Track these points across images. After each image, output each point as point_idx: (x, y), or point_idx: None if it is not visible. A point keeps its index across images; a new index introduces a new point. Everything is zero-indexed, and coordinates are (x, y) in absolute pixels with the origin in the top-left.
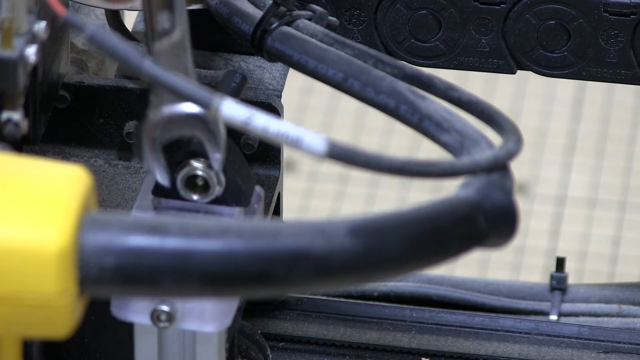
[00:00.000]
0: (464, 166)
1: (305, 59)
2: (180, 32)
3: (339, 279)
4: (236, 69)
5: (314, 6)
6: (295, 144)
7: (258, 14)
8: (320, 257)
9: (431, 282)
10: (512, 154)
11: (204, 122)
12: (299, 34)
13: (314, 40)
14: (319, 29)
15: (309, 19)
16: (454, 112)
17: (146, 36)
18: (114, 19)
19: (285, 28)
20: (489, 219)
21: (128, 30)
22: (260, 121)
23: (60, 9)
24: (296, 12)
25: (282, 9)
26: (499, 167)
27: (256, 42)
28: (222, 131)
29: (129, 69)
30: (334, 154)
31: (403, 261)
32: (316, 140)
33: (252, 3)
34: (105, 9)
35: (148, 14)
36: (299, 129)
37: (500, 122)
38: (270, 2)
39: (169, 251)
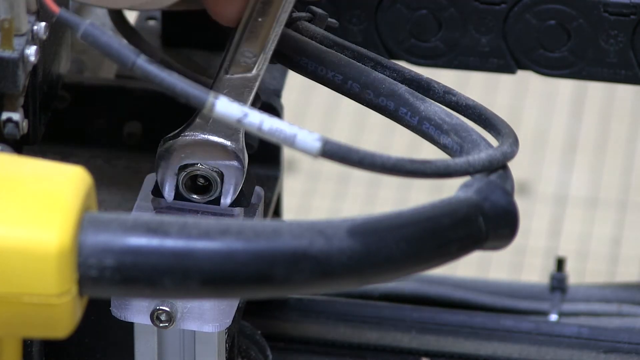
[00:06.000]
0: (458, 167)
1: (305, 61)
2: (257, 72)
3: (338, 281)
4: None
5: (314, 8)
6: (290, 142)
7: None
8: (320, 258)
9: (431, 282)
10: (507, 156)
11: (233, 153)
12: (298, 35)
13: (313, 42)
14: (318, 30)
15: (309, 21)
16: (454, 114)
17: (222, 60)
18: (117, 17)
19: (285, 30)
20: (488, 220)
21: (133, 28)
22: (254, 119)
23: (54, 7)
24: (296, 14)
25: None
26: (494, 169)
27: None
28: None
29: (122, 67)
30: (328, 152)
31: (402, 263)
32: (311, 139)
33: None
34: (107, 8)
35: (235, 42)
36: (294, 127)
37: (496, 125)
38: None
39: (168, 251)
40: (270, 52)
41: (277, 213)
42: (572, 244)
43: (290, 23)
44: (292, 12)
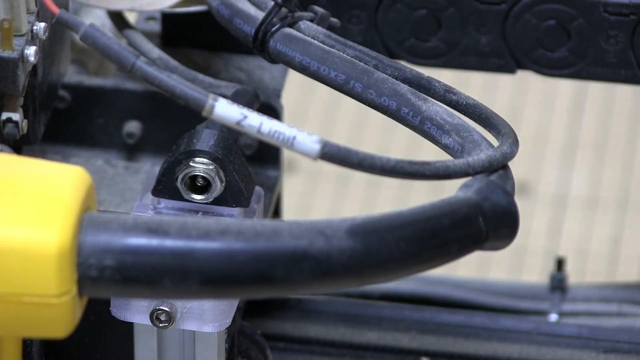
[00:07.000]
0: (457, 168)
1: (307, 60)
2: None
3: (338, 281)
4: (247, 87)
5: (316, 7)
6: (289, 145)
7: (260, 15)
8: (320, 258)
9: (431, 282)
10: (507, 156)
11: None
12: (301, 35)
13: (316, 42)
14: (320, 30)
15: (311, 20)
16: (456, 114)
17: None
18: (118, 17)
19: (287, 29)
20: (488, 220)
21: (134, 28)
22: (253, 121)
23: (53, 8)
24: (298, 14)
25: (284, 10)
26: (493, 170)
27: (258, 43)
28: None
29: (121, 68)
30: (327, 154)
31: (402, 263)
32: (310, 141)
33: (254, 4)
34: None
35: None
36: (293, 130)
37: (496, 124)
38: (272, 3)
39: (168, 252)
40: None
41: (277, 213)
42: (572, 244)
43: (293, 22)
44: (294, 11)
